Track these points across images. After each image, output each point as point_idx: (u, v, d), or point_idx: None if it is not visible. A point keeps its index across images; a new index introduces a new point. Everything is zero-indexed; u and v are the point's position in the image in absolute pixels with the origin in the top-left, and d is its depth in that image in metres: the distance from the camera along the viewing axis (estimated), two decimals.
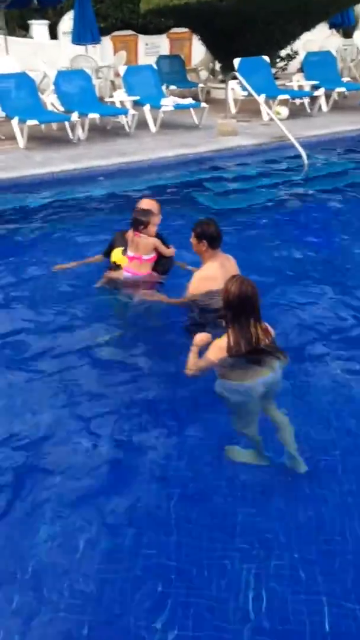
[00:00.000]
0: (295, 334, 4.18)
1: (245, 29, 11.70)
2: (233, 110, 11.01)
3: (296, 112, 10.84)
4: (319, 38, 14.59)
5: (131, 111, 9.94)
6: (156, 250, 4.47)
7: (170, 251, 4.55)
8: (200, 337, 3.36)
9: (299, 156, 8.30)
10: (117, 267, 4.58)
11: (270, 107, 10.22)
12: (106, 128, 10.41)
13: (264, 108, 10.16)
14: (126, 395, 3.66)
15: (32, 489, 2.94)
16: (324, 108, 11.14)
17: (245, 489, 2.93)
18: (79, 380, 3.81)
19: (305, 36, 13.17)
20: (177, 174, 8.33)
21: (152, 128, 10.07)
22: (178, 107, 10.00)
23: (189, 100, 10.35)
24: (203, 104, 10.26)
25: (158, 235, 4.53)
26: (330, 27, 15.46)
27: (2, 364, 3.98)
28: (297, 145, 8.33)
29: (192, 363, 3.34)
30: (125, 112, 9.97)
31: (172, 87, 11.90)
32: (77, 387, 3.73)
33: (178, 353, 3.61)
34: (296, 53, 13.47)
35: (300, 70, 12.29)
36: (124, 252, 4.54)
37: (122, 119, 10.14)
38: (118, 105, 10.34)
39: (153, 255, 4.48)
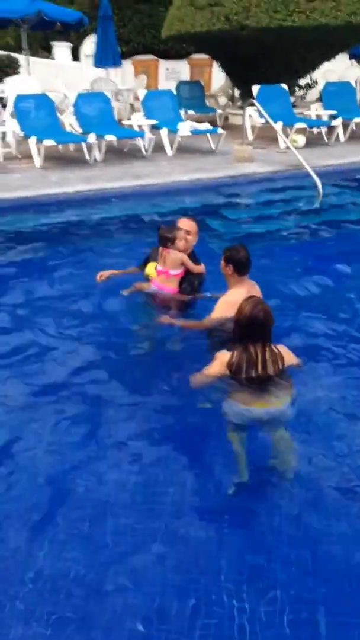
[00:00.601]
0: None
1: (265, 57, 11.78)
2: (250, 137, 11.04)
3: (313, 141, 10.84)
4: (338, 68, 14.67)
5: (148, 134, 9.99)
6: (184, 265, 4.54)
7: (198, 268, 4.60)
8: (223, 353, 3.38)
9: (314, 185, 8.26)
10: (149, 280, 4.70)
11: (287, 135, 10.23)
12: (123, 150, 10.45)
13: (280, 136, 10.17)
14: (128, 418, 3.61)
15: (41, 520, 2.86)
16: (342, 138, 11.13)
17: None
18: (82, 400, 3.77)
19: (325, 66, 13.24)
20: (191, 198, 8.30)
21: (169, 152, 10.10)
22: (195, 132, 10.03)
23: (206, 126, 10.39)
24: (220, 130, 10.29)
25: (193, 253, 4.62)
26: (351, 58, 15.56)
27: (18, 377, 4.01)
28: (312, 174, 8.30)
29: (200, 374, 3.38)
30: (142, 135, 10.02)
31: (191, 112, 11.98)
32: (81, 407, 3.70)
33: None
34: (315, 82, 13.54)
35: (319, 99, 12.33)
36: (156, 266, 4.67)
37: (139, 142, 10.19)
38: (136, 128, 10.40)
39: (180, 270, 4.56)
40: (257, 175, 9.01)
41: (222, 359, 3.30)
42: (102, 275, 4.87)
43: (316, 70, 13.13)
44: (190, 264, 4.54)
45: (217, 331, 4.05)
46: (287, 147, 9.71)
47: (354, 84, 12.57)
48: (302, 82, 13.43)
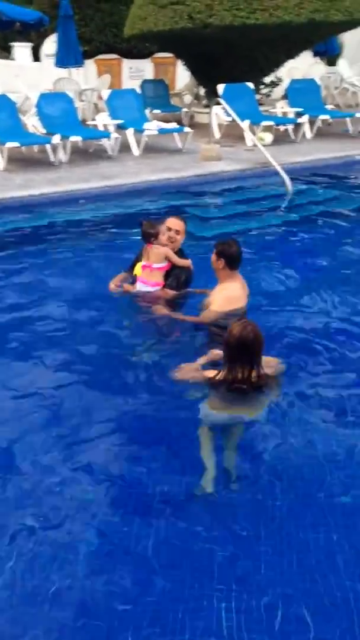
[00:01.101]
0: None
1: (229, 55, 11.71)
2: (217, 135, 10.96)
3: (280, 139, 10.82)
4: (303, 66, 14.70)
5: (114, 134, 9.83)
6: (168, 260, 4.59)
7: (184, 261, 4.63)
8: (217, 353, 3.40)
9: (283, 183, 8.22)
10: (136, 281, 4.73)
11: (254, 133, 10.17)
12: (88, 151, 10.28)
13: (247, 134, 10.12)
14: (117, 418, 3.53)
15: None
16: (308, 135, 11.13)
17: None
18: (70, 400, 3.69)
19: (289, 63, 13.24)
20: (160, 198, 8.19)
21: (135, 152, 9.96)
22: (162, 131, 9.91)
23: (172, 125, 10.28)
24: (187, 129, 10.19)
25: (180, 250, 4.68)
26: (314, 55, 15.60)
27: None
28: (281, 171, 8.25)
29: (188, 368, 3.41)
30: (108, 135, 9.86)
31: (156, 111, 11.85)
32: (69, 407, 3.62)
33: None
34: (280, 80, 13.52)
35: (284, 97, 12.32)
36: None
37: (105, 142, 10.03)
38: (101, 128, 10.23)
39: (164, 264, 4.61)
40: (225, 174, 8.94)
41: (208, 374, 3.32)
42: (115, 283, 4.80)
43: (280, 67, 13.12)
44: (175, 257, 4.59)
45: (214, 326, 4.07)
46: (255, 145, 9.66)
47: (318, 81, 12.58)
48: (267, 79, 13.38)
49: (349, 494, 2.93)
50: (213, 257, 4.13)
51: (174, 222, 4.67)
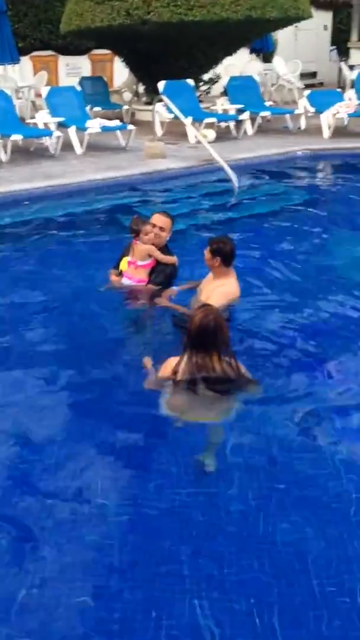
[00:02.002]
0: None
1: (168, 52, 11.70)
2: (159, 132, 10.92)
3: (222, 136, 10.87)
4: (239, 63, 14.82)
5: (56, 133, 9.64)
6: (152, 257, 4.67)
7: (168, 258, 4.70)
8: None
9: (228, 179, 8.26)
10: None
11: (197, 130, 10.19)
12: (29, 150, 10.05)
13: (190, 131, 10.12)
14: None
15: None
16: (249, 132, 11.24)
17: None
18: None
19: (227, 60, 13.34)
20: (106, 197, 8.09)
21: (78, 150, 9.81)
22: (105, 129, 9.80)
23: (115, 122, 10.18)
24: (130, 126, 10.11)
25: (166, 246, 4.76)
26: (251, 52, 15.77)
27: None
28: (226, 168, 8.29)
29: (149, 380, 3.43)
30: (49, 133, 9.66)
31: (96, 108, 11.70)
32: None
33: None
34: (219, 77, 13.60)
35: (224, 93, 12.40)
36: None
37: (47, 141, 9.83)
38: (41, 126, 10.01)
39: (148, 261, 4.69)
40: (170, 171, 8.92)
41: (171, 362, 3.24)
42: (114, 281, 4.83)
43: (219, 64, 13.20)
44: (158, 254, 4.66)
45: None
46: (198, 142, 9.68)
47: (256, 78, 12.72)
48: (206, 76, 13.44)
49: (318, 490, 2.96)
50: (207, 254, 4.20)
51: (158, 219, 4.73)
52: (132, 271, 4.71)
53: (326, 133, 10.79)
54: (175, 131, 10.97)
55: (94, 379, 3.84)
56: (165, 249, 4.76)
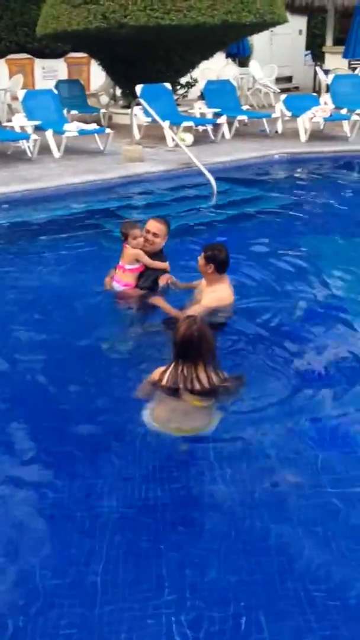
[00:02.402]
0: None
1: (145, 56, 11.71)
2: (137, 136, 10.91)
3: (200, 139, 10.91)
4: (216, 67, 14.90)
5: (33, 136, 9.58)
6: (141, 262, 4.68)
7: (158, 264, 4.70)
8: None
9: (207, 183, 8.28)
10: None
11: (175, 134, 10.21)
12: (6, 153, 9.97)
13: (168, 134, 10.13)
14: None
15: None
16: (227, 135, 11.28)
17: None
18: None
19: (203, 64, 13.40)
20: (84, 200, 8.06)
21: (56, 154, 9.76)
22: (82, 132, 9.77)
23: (93, 126, 10.15)
24: (108, 130, 10.09)
25: (161, 252, 4.78)
26: (227, 57, 15.85)
27: None
28: (205, 171, 8.31)
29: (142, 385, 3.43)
30: (27, 136, 9.60)
31: (73, 111, 11.67)
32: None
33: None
34: (196, 81, 13.65)
35: (200, 97, 12.44)
36: None
37: (24, 144, 9.76)
38: (18, 129, 9.95)
39: (137, 266, 4.69)
40: (150, 175, 8.91)
41: (159, 370, 3.26)
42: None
43: (195, 68, 13.25)
44: (146, 259, 4.66)
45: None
46: (176, 146, 9.70)
47: (233, 82, 12.79)
48: (183, 80, 13.48)
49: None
50: (201, 261, 4.23)
51: (152, 225, 4.74)
52: (120, 275, 4.73)
53: (303, 137, 10.88)
54: (153, 135, 10.98)
55: (76, 387, 3.81)
56: (160, 254, 4.76)
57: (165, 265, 4.80)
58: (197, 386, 3.16)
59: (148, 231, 4.69)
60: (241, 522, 2.75)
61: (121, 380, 3.76)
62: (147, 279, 4.71)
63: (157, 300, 4.53)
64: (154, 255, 4.75)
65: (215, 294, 4.26)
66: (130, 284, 4.70)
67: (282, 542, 2.64)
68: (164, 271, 4.77)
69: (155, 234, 4.68)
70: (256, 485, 2.95)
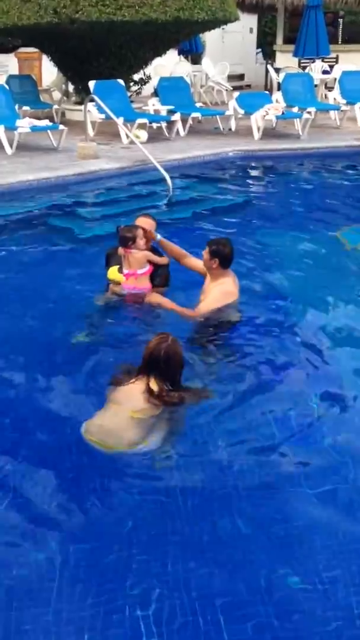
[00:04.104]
0: None
1: (98, 51, 11.63)
2: (91, 133, 10.82)
3: (154, 136, 10.90)
4: (169, 64, 14.89)
5: None
6: (150, 262, 4.55)
7: (164, 259, 4.62)
8: None
9: (162, 180, 8.29)
10: (115, 284, 4.60)
11: (129, 131, 10.17)
12: None
13: (123, 131, 10.09)
14: None
15: None
16: (181, 132, 11.31)
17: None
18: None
19: (156, 61, 13.38)
20: (38, 198, 7.96)
21: (8, 150, 9.59)
22: (35, 129, 9.63)
23: (46, 122, 10.03)
24: (61, 126, 9.98)
25: (152, 248, 4.65)
26: (179, 54, 15.86)
27: None
28: (160, 169, 8.32)
29: None
30: None
31: (25, 107, 11.44)
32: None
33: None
34: (149, 77, 13.63)
35: (154, 94, 12.42)
36: (120, 269, 4.54)
37: None
38: None
39: (147, 268, 4.55)
40: (105, 172, 8.86)
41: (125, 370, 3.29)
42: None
43: (148, 65, 13.22)
44: (156, 258, 4.57)
45: (209, 320, 4.18)
46: (131, 143, 9.67)
47: (186, 79, 12.82)
48: (136, 77, 13.43)
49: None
50: (206, 255, 4.20)
51: (146, 222, 4.65)
52: (134, 282, 4.50)
53: (256, 135, 11.00)
54: (107, 131, 10.92)
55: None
56: (153, 250, 4.68)
57: (166, 259, 4.70)
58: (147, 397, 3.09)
59: (144, 230, 4.58)
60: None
61: None
62: (160, 277, 4.63)
63: (156, 298, 4.35)
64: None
65: (219, 287, 4.22)
66: (147, 288, 4.52)
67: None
68: (167, 266, 4.69)
69: (149, 231, 4.62)
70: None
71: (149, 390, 3.06)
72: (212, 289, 4.24)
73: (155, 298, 4.35)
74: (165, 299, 4.36)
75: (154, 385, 3.08)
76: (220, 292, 4.22)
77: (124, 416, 3.06)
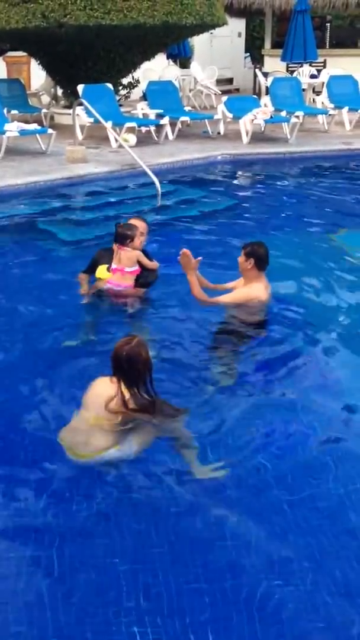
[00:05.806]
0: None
1: (86, 56, 11.65)
2: (80, 136, 10.82)
3: (143, 140, 10.92)
4: (157, 68, 14.94)
5: None
6: (139, 263, 4.64)
7: (153, 264, 4.70)
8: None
9: (151, 184, 8.31)
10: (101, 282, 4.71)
11: (118, 135, 10.19)
12: None
13: (112, 135, 10.10)
14: None
15: None
16: (170, 136, 11.33)
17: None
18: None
19: (145, 65, 13.42)
20: (28, 202, 7.95)
21: None
22: (24, 133, 9.63)
23: (34, 126, 10.03)
24: (50, 130, 9.98)
25: (144, 251, 4.74)
26: (168, 58, 15.91)
27: None
28: (149, 172, 8.32)
29: None
30: None
31: (14, 111, 11.47)
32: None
33: None
34: (138, 81, 13.66)
35: (143, 98, 12.45)
36: (109, 269, 4.63)
37: None
38: None
39: (136, 268, 4.64)
40: (94, 176, 8.87)
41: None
42: (84, 287, 4.77)
43: (137, 69, 13.25)
44: (146, 261, 4.65)
45: (231, 318, 4.30)
46: (120, 147, 9.68)
47: (175, 83, 12.86)
48: (125, 81, 13.46)
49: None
50: (241, 258, 4.25)
51: (139, 224, 4.71)
52: (119, 278, 4.62)
53: (245, 138, 11.04)
54: (96, 135, 10.93)
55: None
56: (144, 253, 4.76)
57: (156, 264, 4.79)
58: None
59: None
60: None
61: None
62: (146, 278, 4.72)
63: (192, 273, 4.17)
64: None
65: (249, 290, 4.28)
66: (130, 285, 4.65)
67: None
68: (155, 272, 4.78)
69: (141, 233, 4.69)
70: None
71: (121, 395, 3.03)
72: (240, 287, 4.34)
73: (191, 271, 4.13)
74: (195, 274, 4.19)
75: (125, 390, 3.04)
76: (245, 292, 4.29)
77: (88, 423, 3.06)
